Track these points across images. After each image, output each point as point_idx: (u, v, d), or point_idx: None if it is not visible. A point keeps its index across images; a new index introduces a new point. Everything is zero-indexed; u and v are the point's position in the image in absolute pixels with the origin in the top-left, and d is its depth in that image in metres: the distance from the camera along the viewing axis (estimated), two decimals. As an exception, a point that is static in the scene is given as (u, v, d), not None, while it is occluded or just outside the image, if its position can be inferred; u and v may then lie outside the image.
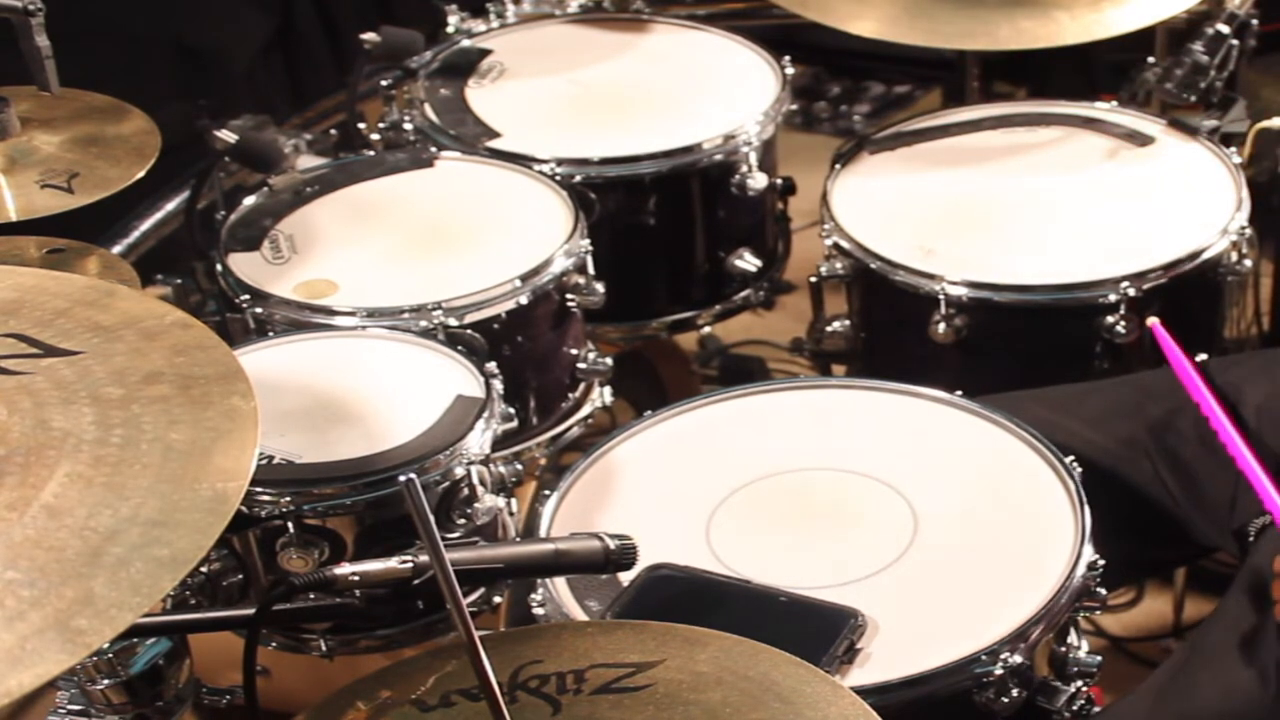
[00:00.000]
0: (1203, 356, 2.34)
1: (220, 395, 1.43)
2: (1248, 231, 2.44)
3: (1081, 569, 1.84)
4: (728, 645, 1.58)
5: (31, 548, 1.26)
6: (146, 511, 1.30)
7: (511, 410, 2.26)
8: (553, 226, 2.45)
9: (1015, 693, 1.76)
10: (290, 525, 1.97)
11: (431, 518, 1.41)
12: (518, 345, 2.35)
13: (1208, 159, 2.60)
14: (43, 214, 1.97)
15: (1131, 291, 2.32)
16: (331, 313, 2.30)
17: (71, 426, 1.38)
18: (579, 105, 2.80)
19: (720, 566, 1.90)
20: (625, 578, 1.84)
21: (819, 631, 1.76)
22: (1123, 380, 2.30)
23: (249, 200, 2.53)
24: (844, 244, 2.48)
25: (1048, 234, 2.46)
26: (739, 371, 3.35)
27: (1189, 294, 2.39)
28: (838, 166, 2.65)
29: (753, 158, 2.67)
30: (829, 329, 2.59)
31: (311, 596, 1.76)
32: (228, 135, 2.49)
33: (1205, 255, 2.38)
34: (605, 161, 2.62)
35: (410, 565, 1.63)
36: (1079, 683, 1.84)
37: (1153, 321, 2.08)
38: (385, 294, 2.33)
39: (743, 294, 2.78)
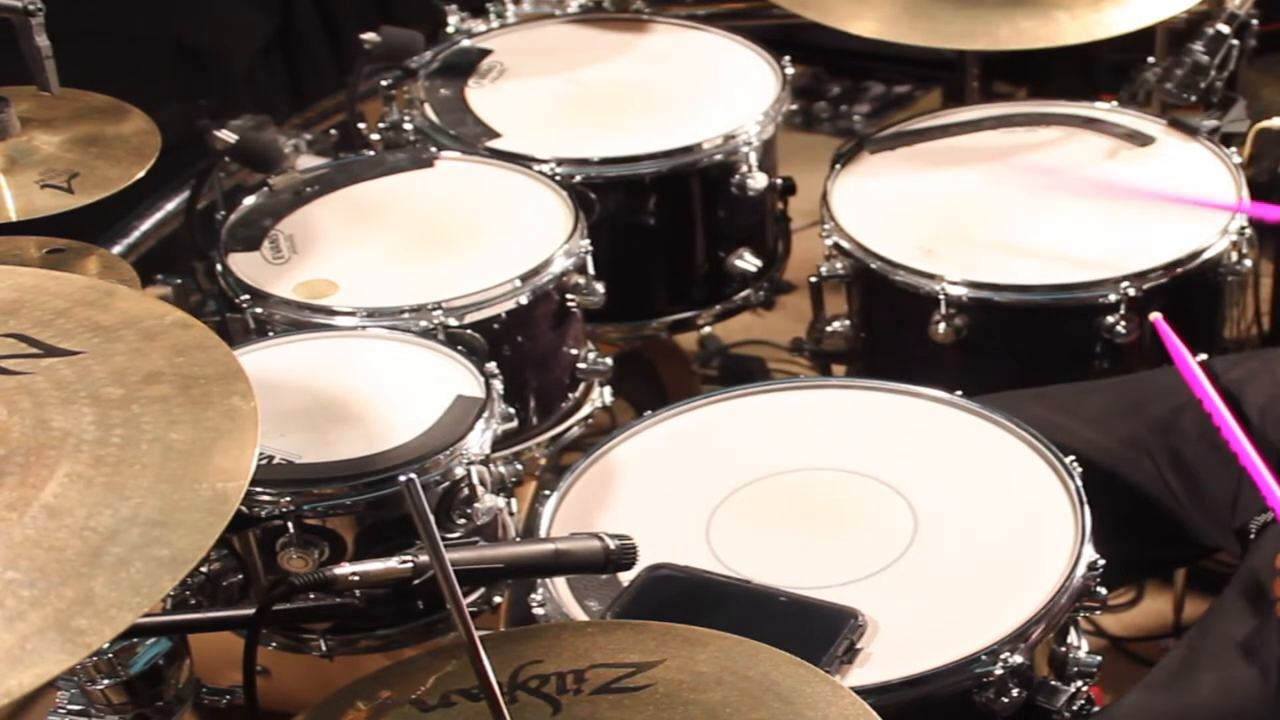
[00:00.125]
0: (1203, 356, 2.34)
1: (220, 395, 1.43)
2: (1248, 231, 2.44)
3: (1081, 569, 1.84)
4: (728, 645, 1.58)
5: (31, 548, 1.26)
6: (146, 511, 1.30)
7: (511, 410, 2.26)
8: (553, 226, 2.45)
9: (1015, 693, 1.76)
10: (290, 525, 1.97)
11: (431, 518, 1.41)
12: (518, 345, 2.35)
13: (1208, 159, 2.60)
14: (43, 214, 1.97)
15: (1131, 291, 2.32)
16: (331, 313, 2.30)
17: (71, 426, 1.38)
18: (579, 105, 2.80)
19: (720, 566, 1.90)
20: (625, 578, 1.84)
21: (819, 631, 1.76)
22: (1123, 380, 2.30)
23: (249, 200, 2.53)
24: (844, 244, 2.48)
25: (1048, 234, 2.46)
26: (739, 371, 3.35)
27: (1189, 294, 2.39)
28: (838, 166, 2.65)
29: (753, 158, 2.67)
30: (829, 329, 2.59)
31: (311, 596, 1.76)
32: (228, 135, 2.49)
33: (1205, 255, 2.38)
34: (605, 161, 2.62)
35: (410, 565, 1.63)
36: (1079, 683, 1.84)
37: (1155, 317, 2.08)
38: (385, 294, 2.33)
39: (743, 294, 2.78)
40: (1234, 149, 2.60)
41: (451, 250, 2.44)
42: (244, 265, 2.40)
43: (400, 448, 2.02)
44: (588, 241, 2.43)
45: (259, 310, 2.32)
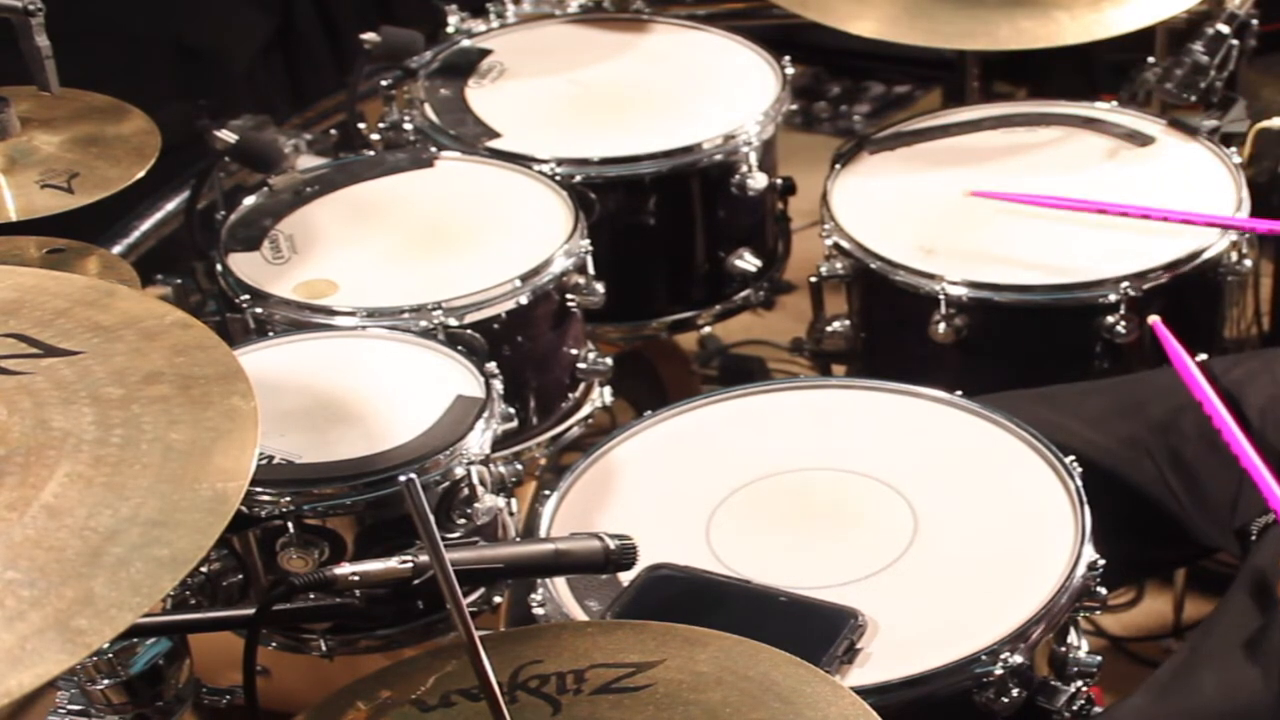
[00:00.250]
0: (1203, 356, 2.34)
1: (220, 395, 1.43)
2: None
3: (1081, 569, 1.84)
4: (728, 645, 1.58)
5: (31, 548, 1.26)
6: (146, 511, 1.30)
7: (511, 410, 2.26)
8: (553, 226, 2.45)
9: (1015, 693, 1.76)
10: (290, 525, 1.97)
11: (431, 518, 1.41)
12: (518, 345, 2.35)
13: (1208, 159, 2.60)
14: (43, 214, 1.97)
15: (1131, 291, 2.32)
16: (331, 313, 2.30)
17: (71, 426, 1.38)
18: (579, 105, 2.80)
19: (720, 566, 1.90)
20: (625, 578, 1.84)
21: (819, 631, 1.76)
22: (1123, 380, 2.30)
23: (249, 200, 2.53)
24: (844, 244, 2.48)
25: (1048, 234, 2.46)
26: (739, 371, 3.35)
27: (1189, 294, 2.39)
28: (838, 166, 2.65)
29: (753, 158, 2.67)
30: (829, 329, 2.59)
31: (311, 596, 1.76)
32: (228, 135, 2.49)
33: (1205, 255, 2.38)
34: (605, 161, 2.62)
35: (410, 565, 1.63)
36: (1079, 683, 1.84)
37: (1154, 320, 2.08)
38: (385, 294, 2.33)
39: (743, 294, 2.78)
40: (1234, 149, 2.60)
41: (451, 250, 2.44)
42: (244, 265, 2.40)
43: (400, 448, 2.02)
44: (588, 241, 2.43)
45: (259, 310, 2.32)
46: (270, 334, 2.30)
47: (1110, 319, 2.33)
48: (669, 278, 2.77)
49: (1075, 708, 1.83)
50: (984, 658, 1.75)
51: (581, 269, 2.41)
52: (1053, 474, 2.00)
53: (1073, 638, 1.88)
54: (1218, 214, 2.42)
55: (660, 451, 2.11)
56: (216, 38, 3.75)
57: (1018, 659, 1.76)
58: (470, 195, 2.55)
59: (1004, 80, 4.01)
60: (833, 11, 2.73)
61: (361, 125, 2.83)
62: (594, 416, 2.52)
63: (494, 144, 2.67)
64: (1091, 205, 2.44)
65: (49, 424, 1.38)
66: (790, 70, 2.81)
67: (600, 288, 2.41)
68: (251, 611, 1.69)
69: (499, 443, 2.13)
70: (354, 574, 1.63)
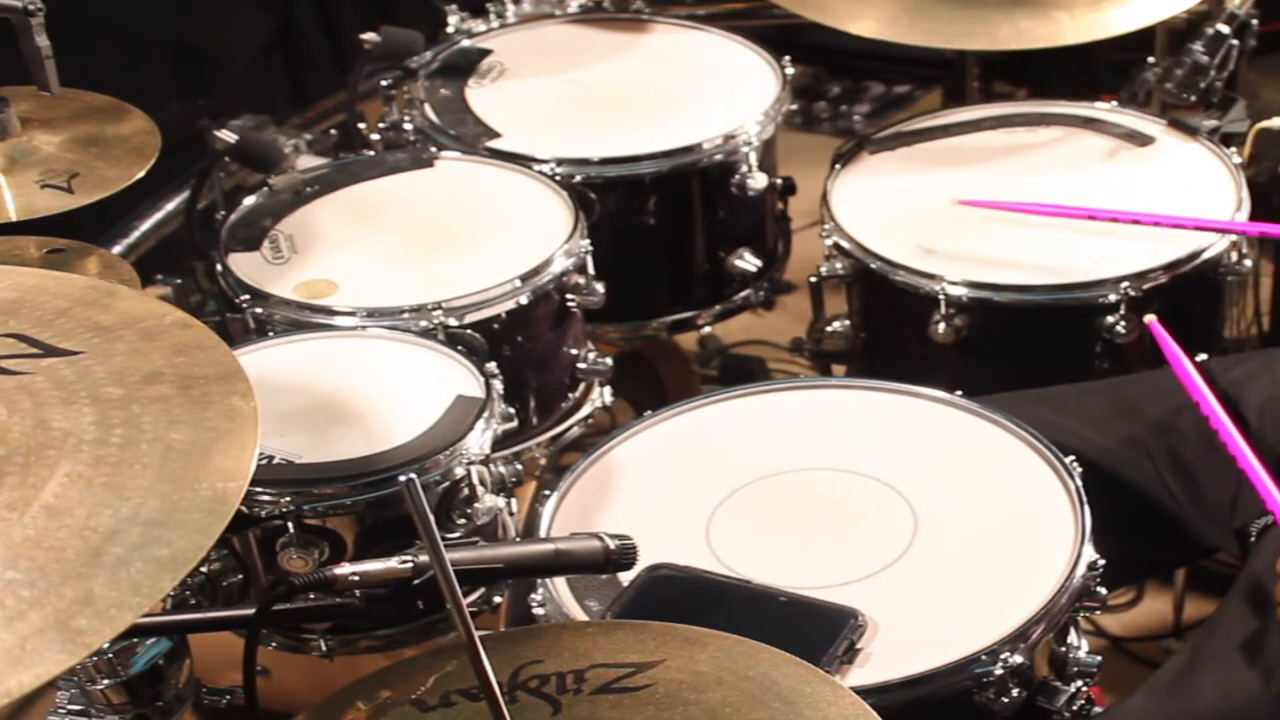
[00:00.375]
0: (1203, 356, 2.34)
1: (220, 395, 1.43)
2: (1248, 231, 2.45)
3: (1081, 569, 1.84)
4: (728, 645, 1.58)
5: (31, 548, 1.26)
6: (146, 511, 1.30)
7: (511, 410, 2.26)
8: (553, 226, 2.45)
9: (1015, 693, 1.76)
10: (290, 525, 1.97)
11: (431, 518, 1.41)
12: (518, 345, 2.35)
13: (1208, 159, 2.60)
14: (43, 214, 1.97)
15: (1131, 291, 2.32)
16: (331, 313, 2.30)
17: (71, 426, 1.38)
18: (579, 105, 2.80)
19: (720, 566, 1.90)
20: (625, 578, 1.84)
21: (819, 631, 1.76)
22: (1123, 380, 2.30)
23: (249, 200, 2.53)
24: (844, 244, 2.48)
25: (1047, 234, 2.46)
26: (739, 371, 3.35)
27: (1189, 294, 2.39)
28: (838, 166, 2.65)
29: (753, 158, 2.67)
30: (829, 329, 2.59)
31: (311, 596, 1.76)
32: (228, 135, 2.49)
33: (1205, 255, 2.38)
34: (605, 161, 2.62)
35: (410, 565, 1.63)
36: (1079, 683, 1.84)
37: (1150, 319, 2.08)
38: (385, 294, 2.33)
39: (743, 294, 2.78)
40: (1234, 149, 2.60)
41: (451, 250, 2.44)
42: (244, 265, 2.40)
43: (400, 448, 2.02)
44: (588, 241, 2.43)
45: (259, 310, 2.32)
46: (270, 334, 2.30)
47: (1110, 319, 2.33)
48: (669, 278, 2.77)
49: (1075, 708, 1.83)
50: (984, 658, 1.75)
51: (581, 269, 2.41)
52: (1053, 474, 2.00)
53: (1073, 638, 1.88)
54: (1210, 218, 2.41)
55: (660, 451, 2.11)
56: (216, 38, 3.75)
57: (1018, 659, 1.76)
58: (470, 195, 2.55)
59: (1004, 80, 4.01)
60: (833, 11, 2.73)
61: (361, 125, 2.83)
62: (594, 416, 2.52)
63: (494, 144, 2.67)
64: (1081, 211, 2.44)
65: (49, 424, 1.38)
66: (790, 70, 2.81)
67: (600, 288, 2.41)
68: (251, 611, 1.69)
69: (499, 443, 2.13)
70: (354, 574, 1.63)
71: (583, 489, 2.04)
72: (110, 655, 1.76)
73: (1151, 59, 2.97)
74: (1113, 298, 2.33)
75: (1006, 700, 1.76)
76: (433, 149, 2.68)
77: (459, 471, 2.04)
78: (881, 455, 2.05)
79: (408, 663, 1.63)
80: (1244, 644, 1.87)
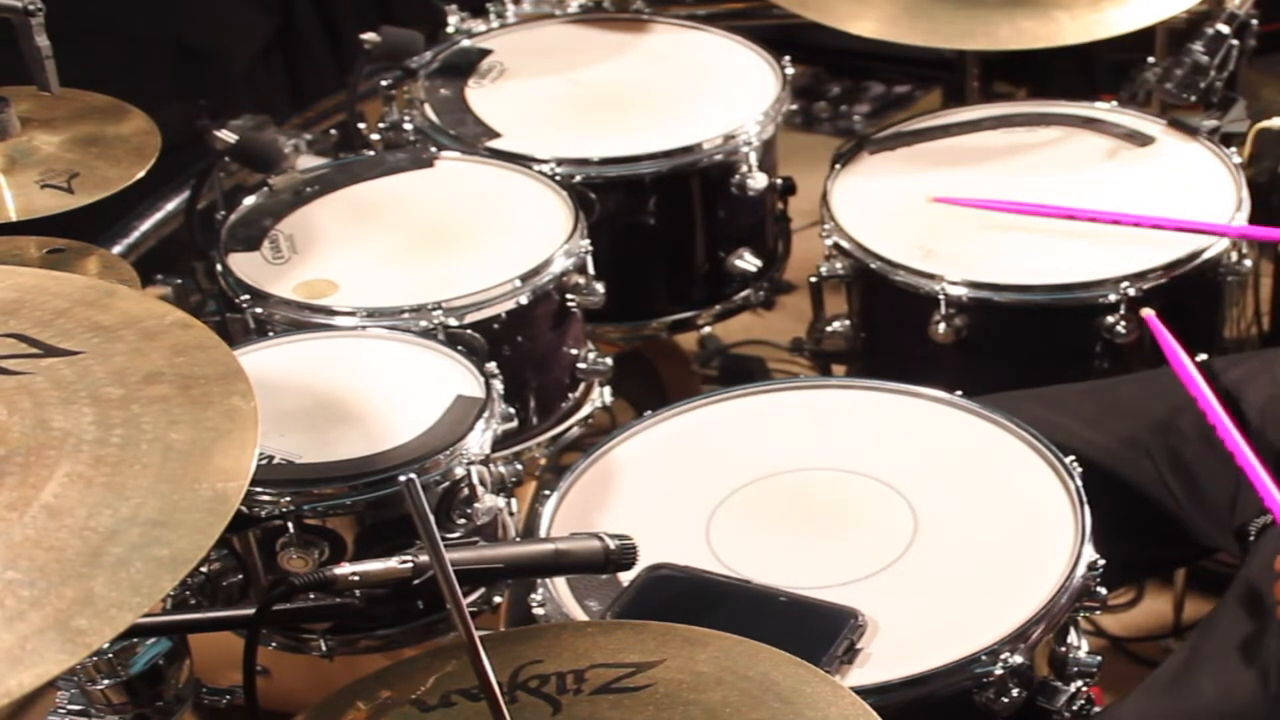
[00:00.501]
0: (1203, 356, 2.34)
1: (220, 395, 1.43)
2: (1248, 232, 2.44)
3: (1081, 569, 1.84)
4: (728, 645, 1.58)
5: (31, 548, 1.26)
6: (146, 511, 1.30)
7: (511, 410, 2.26)
8: (553, 226, 2.45)
9: (1015, 693, 1.76)
10: (290, 525, 1.97)
11: (431, 518, 1.41)
12: (518, 345, 2.35)
13: (1208, 159, 2.60)
14: (43, 214, 1.97)
15: (1131, 291, 2.32)
16: (331, 313, 2.30)
17: (71, 426, 1.38)
18: (579, 105, 2.80)
19: (720, 566, 1.90)
20: (625, 578, 1.84)
21: (819, 631, 1.76)
22: (1123, 380, 2.30)
23: (249, 200, 2.53)
24: (844, 244, 2.48)
25: (1047, 234, 2.46)
26: (739, 371, 3.35)
27: (1189, 294, 2.39)
28: (838, 166, 2.65)
29: (753, 158, 2.67)
30: (829, 329, 2.59)
31: (311, 596, 1.76)
32: (228, 135, 2.49)
33: (1205, 255, 2.38)
34: (605, 161, 2.62)
35: (410, 565, 1.63)
36: (1079, 683, 1.84)
37: (1147, 313, 2.08)
38: (385, 294, 2.33)
39: (743, 294, 2.78)
40: (1234, 149, 2.60)
41: (451, 250, 2.44)
42: (244, 265, 2.40)
43: (400, 448, 2.02)
44: (588, 241, 2.43)
45: (259, 310, 2.32)
46: (270, 334, 2.30)
47: (1110, 319, 2.33)
48: (669, 278, 2.77)
49: (1075, 708, 1.83)
50: (984, 658, 1.75)
51: (581, 269, 2.41)
52: (1053, 474, 2.00)
53: (1073, 638, 1.88)
54: (1196, 219, 2.41)
55: (660, 451, 2.11)
56: (216, 38, 3.75)
57: (1018, 659, 1.76)
58: (470, 195, 2.55)
59: (1004, 80, 4.01)
60: (833, 11, 2.73)
61: (361, 125, 2.83)
62: (594, 416, 2.52)
63: (494, 144, 2.67)
64: (1059, 210, 2.44)
65: (49, 424, 1.38)
66: (790, 70, 2.81)
67: (600, 288, 2.41)
68: (251, 611, 1.69)
69: (499, 443, 2.13)
70: (354, 574, 1.63)
71: (583, 489, 2.04)
72: (110, 655, 1.76)
73: (1151, 59, 2.97)
74: (1113, 298, 2.33)
75: (1006, 700, 1.76)
76: (433, 149, 2.68)
77: (459, 471, 2.04)
78: (881, 455, 2.05)
79: (408, 663, 1.63)
80: (1242, 644, 1.87)
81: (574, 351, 2.47)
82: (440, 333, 2.25)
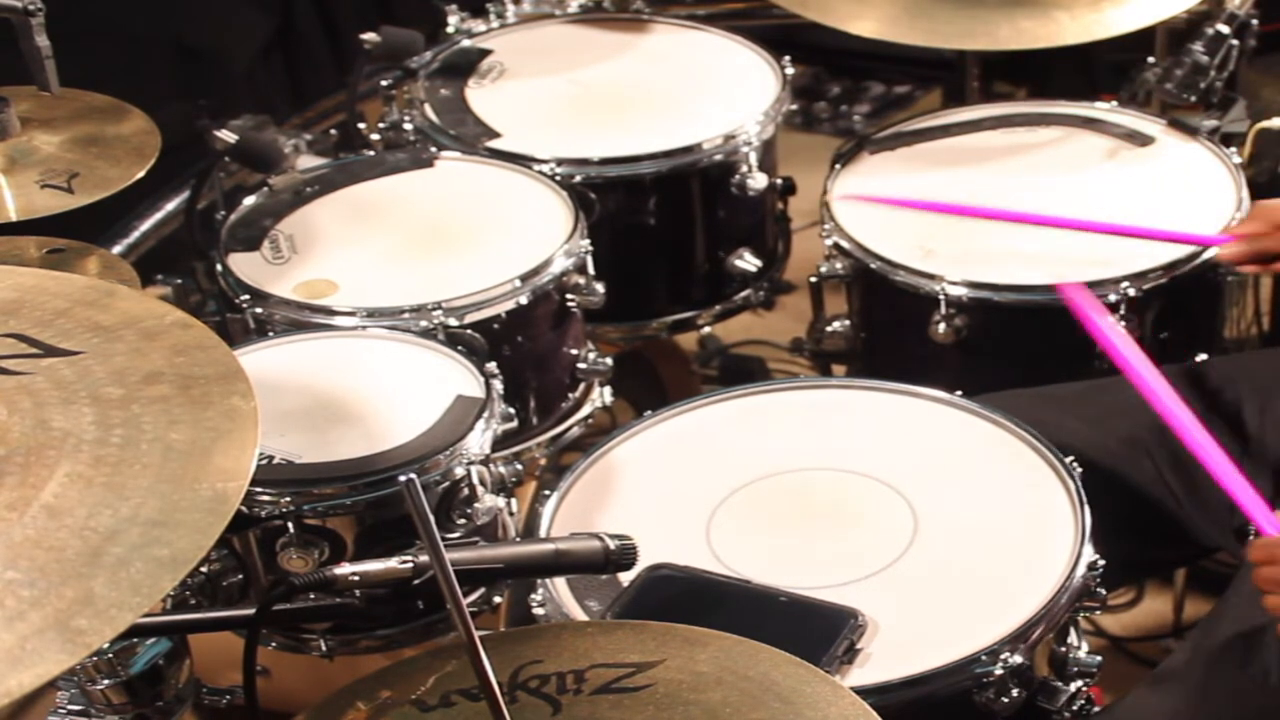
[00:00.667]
0: (1203, 356, 2.34)
1: (220, 395, 1.43)
2: (1248, 231, 2.44)
3: (1081, 569, 1.84)
4: (728, 645, 1.58)
5: (31, 548, 1.26)
6: (146, 511, 1.30)
7: (511, 410, 2.26)
8: (553, 226, 2.45)
9: (1015, 693, 1.76)
10: (290, 525, 1.97)
11: (431, 518, 1.41)
12: (518, 345, 2.35)
13: (1208, 159, 2.60)
14: (43, 214, 1.97)
15: (1131, 291, 2.32)
16: (331, 313, 2.30)
17: (71, 426, 1.38)
18: (579, 105, 2.80)
19: (720, 566, 1.90)
20: (625, 578, 1.84)
21: (819, 631, 1.76)
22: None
23: (249, 200, 2.54)
24: (844, 244, 2.48)
25: (1047, 234, 2.46)
26: (739, 371, 3.35)
27: (1189, 294, 2.39)
28: (838, 166, 2.65)
29: (753, 158, 2.66)
30: (829, 329, 2.59)
31: (311, 596, 1.76)
32: (228, 135, 2.49)
33: (1205, 255, 2.38)
34: (605, 161, 2.62)
35: (410, 565, 1.63)
36: (1079, 683, 1.84)
37: (1064, 283, 2.07)
38: (385, 294, 2.33)
39: (743, 294, 2.78)
40: (1234, 149, 2.60)
41: (451, 250, 2.44)
42: (244, 265, 2.40)
43: (400, 448, 2.02)
44: (588, 241, 2.43)
45: (259, 310, 2.32)
46: (270, 334, 2.30)
47: (1110, 319, 2.32)
48: (669, 278, 2.77)
49: (1075, 708, 1.83)
50: (984, 658, 1.75)
51: (581, 269, 2.41)
52: (1053, 474, 2.00)
53: (1073, 638, 1.88)
54: (1153, 227, 2.39)
55: (660, 451, 2.11)
56: (216, 38, 3.75)
57: (1018, 659, 1.76)
58: (470, 195, 2.55)
59: (1004, 80, 4.01)
60: (833, 11, 2.73)
61: (361, 125, 2.83)
62: (594, 416, 2.52)
63: (494, 144, 2.67)
64: (1010, 215, 2.41)
65: (49, 424, 1.38)
66: (790, 70, 2.81)
67: (600, 288, 2.41)
68: (251, 611, 1.69)
69: (499, 443, 2.13)
70: (354, 574, 1.63)
71: (583, 489, 2.04)
72: (110, 655, 1.76)
73: (1151, 59, 2.97)
74: (1113, 298, 2.32)
75: (1006, 700, 1.76)
76: (433, 149, 2.68)
77: (459, 471, 2.04)
78: (881, 455, 2.05)
79: (408, 663, 1.63)
80: (1242, 642, 1.87)
81: (574, 351, 2.47)
82: (440, 333, 2.25)
